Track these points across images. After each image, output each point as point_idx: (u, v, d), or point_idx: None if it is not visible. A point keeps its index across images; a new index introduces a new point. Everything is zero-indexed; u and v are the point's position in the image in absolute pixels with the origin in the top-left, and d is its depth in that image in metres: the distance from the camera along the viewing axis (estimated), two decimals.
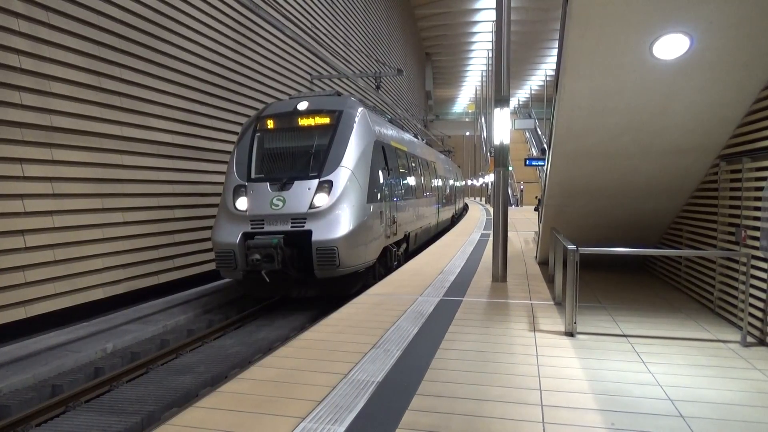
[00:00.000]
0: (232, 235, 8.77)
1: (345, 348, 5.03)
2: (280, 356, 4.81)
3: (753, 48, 4.79)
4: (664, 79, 5.30)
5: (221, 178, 12.26)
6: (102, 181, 9.40)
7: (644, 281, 8.60)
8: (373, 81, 19.17)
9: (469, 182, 58.82)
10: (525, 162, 27.72)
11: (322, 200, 8.73)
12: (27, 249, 7.94)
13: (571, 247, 5.47)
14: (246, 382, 4.18)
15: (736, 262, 5.77)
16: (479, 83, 63.29)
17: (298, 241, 8.62)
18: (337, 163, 9.07)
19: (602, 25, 4.74)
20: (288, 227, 8.66)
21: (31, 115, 8.09)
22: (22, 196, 7.92)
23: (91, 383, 6.12)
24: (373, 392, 3.93)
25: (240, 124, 13.42)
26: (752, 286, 5.30)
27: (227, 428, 3.39)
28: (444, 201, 21.29)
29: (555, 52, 9.70)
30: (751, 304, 5.33)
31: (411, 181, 13.82)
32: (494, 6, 8.83)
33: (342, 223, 8.61)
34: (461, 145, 66.33)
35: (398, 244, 11.82)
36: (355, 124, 9.59)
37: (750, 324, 5.34)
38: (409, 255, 12.98)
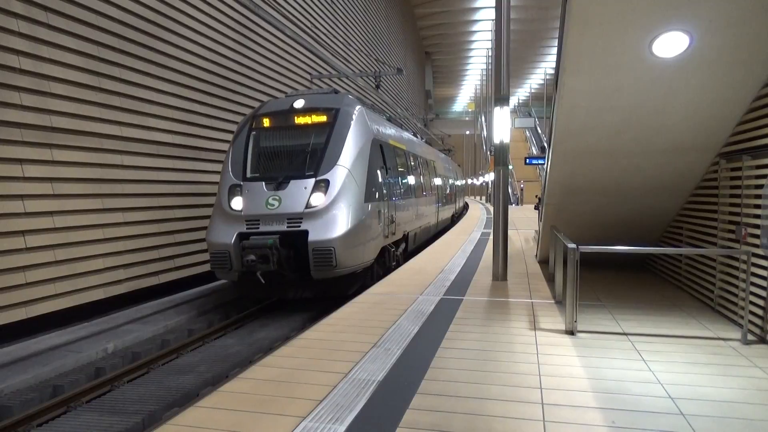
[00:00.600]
0: (227, 235, 8.64)
1: (346, 347, 5.03)
2: (281, 356, 4.81)
3: (753, 46, 4.79)
4: (664, 77, 5.30)
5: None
6: (102, 182, 9.40)
7: (645, 279, 8.60)
8: (373, 80, 19.15)
9: (470, 181, 58.79)
10: (525, 161, 27.74)
11: (318, 200, 8.56)
12: (27, 249, 7.95)
13: (572, 245, 5.47)
14: (246, 381, 4.19)
15: (737, 260, 5.77)
16: (479, 82, 63.25)
17: (295, 241, 8.48)
18: (333, 161, 8.91)
19: (602, 23, 4.74)
20: (284, 227, 8.52)
21: (31, 115, 8.09)
22: (22, 197, 7.92)
23: (91, 383, 6.12)
24: (373, 391, 3.93)
25: None
26: (753, 284, 5.30)
27: (228, 428, 3.39)
28: (444, 200, 21.01)
29: (555, 50, 9.73)
30: (751, 302, 5.33)
31: (410, 179, 13.58)
32: (494, 5, 8.82)
33: (339, 223, 8.45)
34: (461, 144, 66.26)
35: (397, 243, 11.61)
36: (352, 123, 9.42)
37: (750, 322, 5.34)
38: (409, 255, 12.76)
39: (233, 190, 9.03)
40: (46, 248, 8.24)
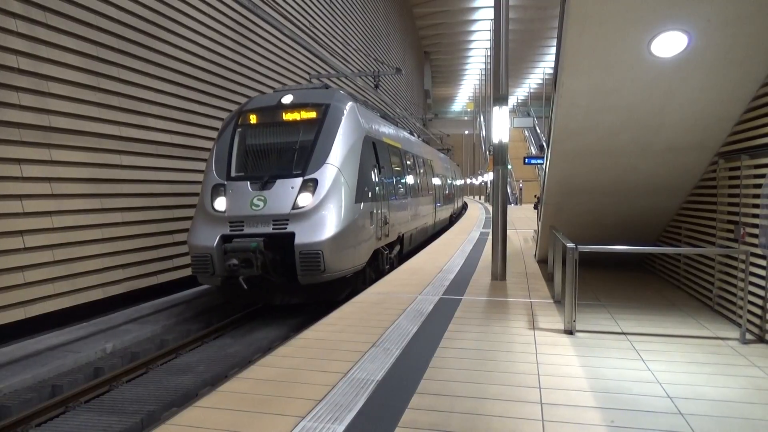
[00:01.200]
0: (209, 238, 8.19)
1: (345, 347, 5.03)
2: (280, 355, 4.81)
3: (751, 45, 4.80)
4: (663, 76, 5.30)
5: None
6: (101, 182, 9.39)
7: (643, 279, 8.60)
8: (372, 80, 19.12)
9: (469, 181, 58.82)
10: (524, 160, 27.73)
11: (306, 200, 8.13)
12: (26, 249, 7.94)
13: (571, 245, 5.47)
14: (246, 381, 4.19)
15: (735, 259, 5.78)
16: (478, 82, 63.28)
17: (281, 244, 8.06)
18: (322, 160, 8.46)
19: (600, 23, 4.74)
20: (269, 229, 8.07)
21: (30, 115, 8.08)
22: (21, 197, 7.92)
23: (90, 384, 6.11)
24: (372, 391, 3.94)
25: None
26: (751, 283, 5.31)
27: (227, 427, 3.39)
28: (442, 200, 20.62)
29: (553, 50, 9.74)
30: (750, 302, 5.34)
31: (405, 179, 13.11)
32: (492, 4, 8.83)
33: (327, 225, 8.01)
34: (460, 143, 66.29)
35: (391, 246, 11.20)
36: (342, 119, 8.97)
37: (749, 321, 5.35)
38: (404, 257, 12.34)
39: (216, 190, 8.61)
40: (45, 248, 8.24)
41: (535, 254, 11.08)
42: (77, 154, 8.92)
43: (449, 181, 24.56)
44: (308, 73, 18.28)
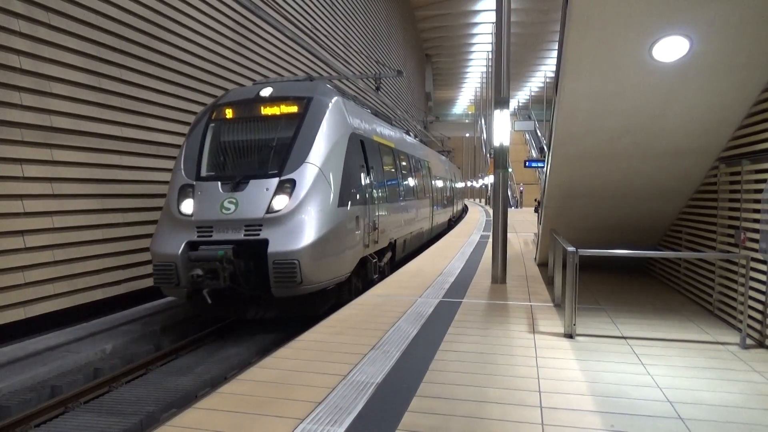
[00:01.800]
0: (173, 244, 7.38)
1: (344, 349, 5.03)
2: (280, 357, 4.81)
3: (752, 50, 4.80)
4: (664, 81, 5.31)
5: None
6: (102, 182, 9.40)
7: (644, 283, 8.60)
8: (373, 82, 19.15)
9: (469, 184, 58.85)
10: (525, 164, 27.69)
11: (281, 203, 7.35)
12: (27, 249, 7.94)
13: (571, 248, 5.47)
14: (245, 383, 4.18)
15: (736, 264, 5.78)
16: (479, 85, 63.35)
17: (253, 252, 7.25)
18: (302, 159, 7.66)
19: (602, 27, 4.75)
20: (240, 236, 7.28)
21: (31, 115, 8.09)
22: (21, 197, 7.92)
23: (90, 384, 6.11)
24: (372, 394, 3.93)
25: None
26: (751, 288, 5.31)
27: (226, 429, 3.39)
28: (440, 203, 19.75)
29: (555, 53, 9.73)
30: (750, 307, 5.33)
31: (399, 181, 12.26)
32: (494, 8, 8.84)
33: (305, 231, 7.20)
34: (461, 146, 66.34)
35: (381, 253, 10.32)
36: (326, 114, 8.17)
37: (749, 326, 5.35)
38: (397, 264, 11.55)
39: (184, 191, 7.81)
40: (46, 248, 8.24)
41: (536, 257, 11.08)
42: (78, 155, 8.92)
43: (448, 184, 23.73)
44: (309, 75, 18.30)
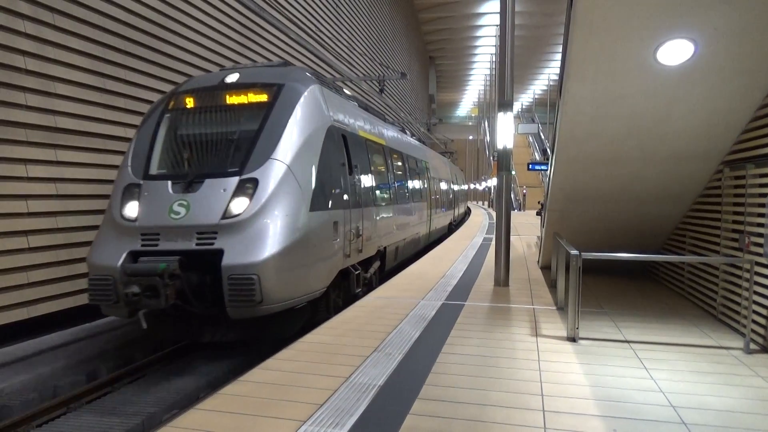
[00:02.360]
0: (112, 254, 6.27)
1: (346, 351, 5.02)
2: (282, 359, 4.81)
3: (758, 54, 4.79)
4: (668, 84, 5.30)
5: None
6: (106, 183, 9.42)
7: (647, 287, 8.57)
8: (377, 84, 19.16)
9: (472, 186, 58.83)
10: (528, 166, 27.70)
11: (240, 206, 6.21)
12: (30, 250, 7.96)
13: (574, 252, 5.46)
14: (247, 384, 4.18)
15: (740, 268, 5.75)
16: (483, 87, 63.35)
17: (206, 264, 6.11)
18: (267, 154, 6.57)
19: (606, 30, 4.74)
20: (192, 245, 6.16)
21: (36, 116, 8.11)
22: (26, 197, 7.94)
23: (90, 385, 6.11)
24: (374, 396, 3.93)
25: None
26: (755, 292, 5.29)
27: (227, 431, 3.39)
28: (439, 207, 18.52)
29: (559, 56, 9.68)
30: (754, 311, 5.31)
31: (391, 182, 11.13)
32: (498, 11, 8.84)
33: (268, 240, 6.09)
34: (464, 149, 66.32)
35: (368, 262, 9.23)
36: (299, 103, 7.09)
37: (753, 331, 5.32)
38: (387, 275, 10.36)
39: (129, 192, 6.71)
40: (49, 249, 8.26)
41: (539, 261, 11.05)
42: (82, 155, 8.94)
43: (449, 186, 22.55)
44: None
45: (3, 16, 7.62)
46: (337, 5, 21.75)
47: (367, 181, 9.18)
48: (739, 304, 5.80)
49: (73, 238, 8.72)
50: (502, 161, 8.44)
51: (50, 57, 8.37)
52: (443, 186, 20.36)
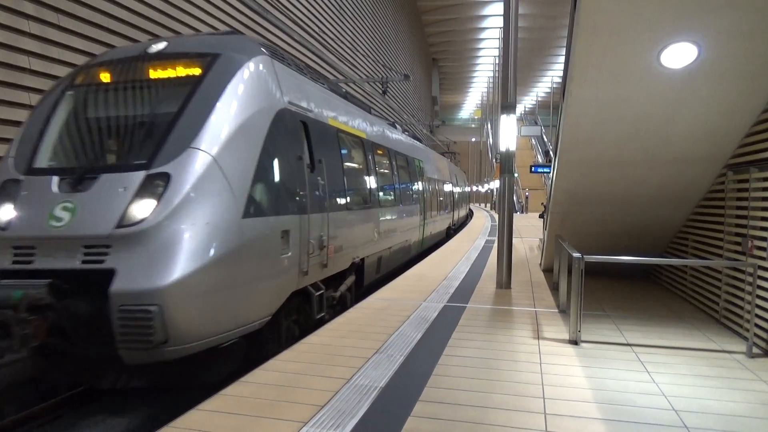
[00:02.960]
0: None
1: (348, 353, 5.02)
2: (283, 360, 4.81)
3: (762, 58, 4.78)
4: (672, 87, 5.29)
5: None
6: None
7: (649, 290, 8.56)
8: (380, 86, 19.18)
9: (475, 188, 58.85)
10: (530, 169, 27.69)
11: (144, 210, 4.62)
12: None
13: (576, 255, 5.45)
14: (248, 385, 4.18)
15: (743, 272, 5.74)
16: (486, 89, 63.38)
17: (95, 289, 4.45)
18: (186, 143, 4.93)
19: (610, 33, 4.74)
20: (76, 262, 4.57)
21: None
22: None
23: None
24: (375, 398, 3.92)
25: None
26: (758, 296, 5.27)
27: (228, 431, 3.39)
28: (435, 210, 16.85)
29: (562, 59, 9.66)
30: (757, 315, 5.30)
31: (372, 182, 9.35)
32: (502, 13, 8.85)
33: (178, 257, 4.49)
34: (467, 151, 66.33)
35: (338, 278, 7.58)
36: (236, 78, 5.39)
37: (756, 335, 5.31)
38: (366, 291, 8.61)
39: (4, 190, 5.12)
40: None
41: (541, 263, 11.04)
42: None
43: (447, 188, 20.89)
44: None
45: (8, 17, 7.65)
46: (340, 7, 21.79)
47: (337, 180, 7.44)
48: (741, 307, 5.78)
49: None
50: (505, 163, 8.44)
51: (54, 57, 8.39)
52: (441, 187, 18.83)
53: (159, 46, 5.94)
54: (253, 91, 5.59)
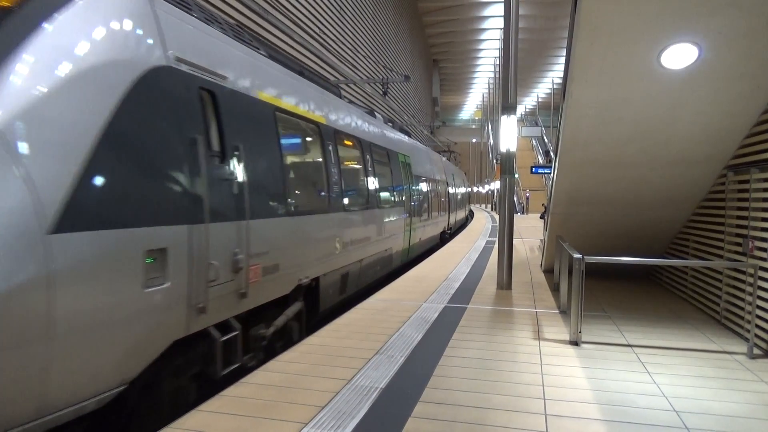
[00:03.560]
0: None
1: (348, 354, 5.02)
2: (284, 361, 4.81)
3: (762, 58, 4.78)
4: (672, 88, 5.29)
5: None
6: None
7: (650, 291, 8.55)
8: (381, 87, 19.18)
9: (476, 189, 58.87)
10: (531, 170, 27.69)
11: None
12: None
13: (577, 255, 5.45)
14: (249, 386, 4.18)
15: (743, 273, 5.74)
16: (486, 90, 63.41)
17: None
18: None
19: (610, 33, 4.74)
20: None
21: None
22: None
23: None
24: (376, 399, 3.92)
25: None
26: (759, 297, 5.27)
27: None
28: (425, 213, 14.62)
29: (563, 60, 9.65)
30: (758, 316, 5.29)
31: (330, 180, 7.23)
32: (502, 14, 8.85)
33: None
34: (468, 151, 66.35)
35: (272, 309, 5.69)
36: (66, 13, 3.50)
37: (757, 336, 5.30)
38: (327, 317, 6.91)
39: None
40: None
41: (541, 264, 11.04)
42: None
43: (443, 188, 18.83)
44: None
45: None
46: (341, 8, 21.81)
47: (270, 175, 5.58)
48: (742, 308, 5.78)
49: None
50: (505, 164, 8.44)
51: None
52: (434, 187, 16.77)
53: None
54: (99, 33, 3.67)
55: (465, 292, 8.19)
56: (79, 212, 3.25)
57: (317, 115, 7.20)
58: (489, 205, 51.24)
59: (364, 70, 25.90)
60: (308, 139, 7.06)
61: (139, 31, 4.01)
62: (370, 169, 9.44)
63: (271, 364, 4.71)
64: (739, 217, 5.98)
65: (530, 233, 19.94)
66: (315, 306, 6.85)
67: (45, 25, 3.40)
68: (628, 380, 4.42)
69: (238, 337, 4.84)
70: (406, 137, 14.86)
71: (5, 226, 2.84)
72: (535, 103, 77.85)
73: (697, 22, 4.50)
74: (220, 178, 4.66)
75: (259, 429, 3.43)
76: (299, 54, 16.90)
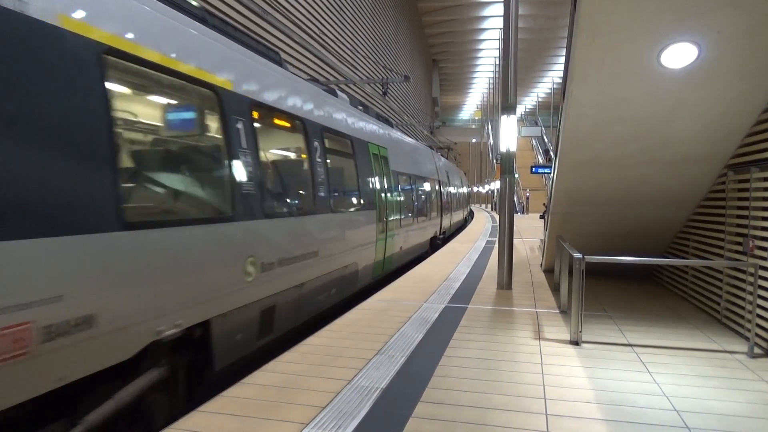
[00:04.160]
0: None
1: (349, 354, 5.02)
2: (284, 361, 4.81)
3: (762, 58, 4.78)
4: (672, 88, 5.29)
5: None
6: None
7: (650, 290, 8.55)
8: (380, 87, 19.18)
9: (476, 189, 58.88)
10: (531, 169, 27.69)
11: None
12: None
13: (577, 255, 5.45)
14: (249, 386, 4.18)
15: (744, 272, 5.73)
16: (486, 90, 63.42)
17: None
18: None
19: (610, 33, 4.74)
20: None
21: None
22: None
23: None
24: (376, 399, 3.92)
25: None
26: (760, 296, 5.27)
27: None
28: (405, 217, 12.28)
29: (562, 59, 9.62)
30: (758, 315, 5.29)
31: (235, 171, 4.94)
32: (502, 14, 8.86)
33: None
34: (468, 151, 66.37)
35: (100, 387, 3.53)
36: None
37: (757, 335, 5.30)
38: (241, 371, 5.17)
39: None
40: None
41: (542, 264, 11.04)
42: None
43: (435, 187, 17.01)
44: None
45: None
46: (340, 8, 21.81)
47: (156, 165, 4.28)
48: (743, 307, 5.78)
49: None
50: (505, 164, 8.44)
51: None
52: (422, 186, 14.77)
53: None
54: None
55: (465, 292, 8.19)
56: None
57: (218, 79, 4.87)
58: (489, 205, 51.25)
59: (364, 70, 25.90)
60: (241, 122, 5.17)
61: None
62: (318, 160, 7.06)
63: (272, 365, 4.71)
64: (739, 217, 5.98)
65: (530, 233, 19.93)
66: (209, 362, 4.59)
67: None
68: (629, 380, 4.42)
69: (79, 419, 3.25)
70: (385, 126, 12.19)
71: None
72: (535, 103, 77.84)
73: (697, 21, 4.50)
74: (64, 168, 3.03)
75: (260, 429, 3.43)
76: (299, 54, 16.91)
